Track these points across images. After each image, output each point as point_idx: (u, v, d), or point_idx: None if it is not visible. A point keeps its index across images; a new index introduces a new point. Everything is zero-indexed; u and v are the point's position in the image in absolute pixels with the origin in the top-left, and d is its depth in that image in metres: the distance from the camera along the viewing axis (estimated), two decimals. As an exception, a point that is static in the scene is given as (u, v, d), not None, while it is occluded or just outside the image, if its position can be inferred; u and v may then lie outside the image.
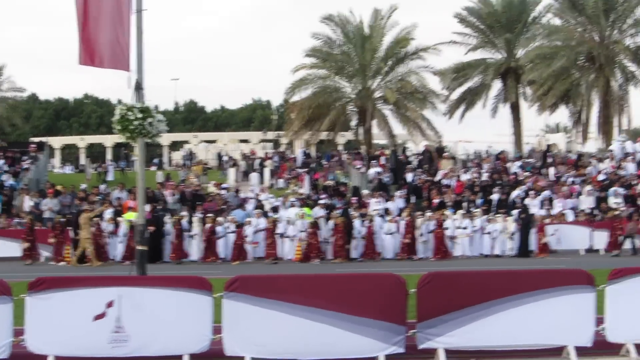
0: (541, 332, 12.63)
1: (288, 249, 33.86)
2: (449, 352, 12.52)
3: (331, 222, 33.78)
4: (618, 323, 12.77)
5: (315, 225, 33.26)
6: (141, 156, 16.21)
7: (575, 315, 12.69)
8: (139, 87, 15.47)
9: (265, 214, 35.88)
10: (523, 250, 34.61)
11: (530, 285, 12.74)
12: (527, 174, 44.25)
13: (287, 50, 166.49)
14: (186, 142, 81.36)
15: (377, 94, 57.32)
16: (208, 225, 33.30)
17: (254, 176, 51.15)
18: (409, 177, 44.35)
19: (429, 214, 35.78)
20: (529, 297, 12.62)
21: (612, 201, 38.92)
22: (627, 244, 34.23)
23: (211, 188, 45.26)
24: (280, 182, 51.44)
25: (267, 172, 53.55)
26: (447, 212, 36.48)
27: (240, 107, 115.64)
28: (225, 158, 61.42)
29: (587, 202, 39.63)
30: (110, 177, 53.76)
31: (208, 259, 32.90)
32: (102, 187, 43.32)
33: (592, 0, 54.99)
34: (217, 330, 12.35)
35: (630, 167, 43.66)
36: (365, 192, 41.72)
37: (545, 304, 12.62)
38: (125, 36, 15.32)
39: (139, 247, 15.87)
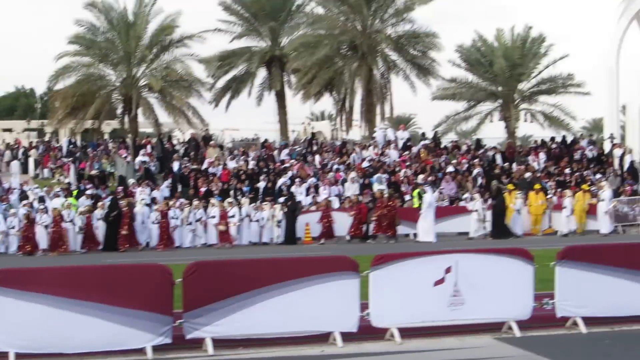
0: (308, 318, 12.62)
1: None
2: (216, 341, 12.32)
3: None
4: (382, 308, 12.90)
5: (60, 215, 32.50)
6: None
7: (340, 302, 12.75)
8: None
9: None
10: (290, 238, 34.98)
11: (296, 272, 12.72)
12: (293, 161, 44.69)
13: (51, 37, 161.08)
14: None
15: (142, 82, 56.20)
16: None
17: (14, 165, 49.19)
18: (176, 165, 43.80)
19: (195, 202, 35.64)
20: (295, 284, 12.59)
21: (377, 187, 39.92)
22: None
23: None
24: (46, 172, 49.77)
25: (31, 161, 51.62)
26: (214, 200, 36.33)
27: (3, 95, 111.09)
28: (-14, 148, 58.69)
29: (351, 189, 40.44)
30: None
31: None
32: None
33: (354, -10, 56.19)
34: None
35: (393, 154, 44.96)
36: (131, 181, 40.94)
37: (311, 291, 12.62)
38: None
39: None
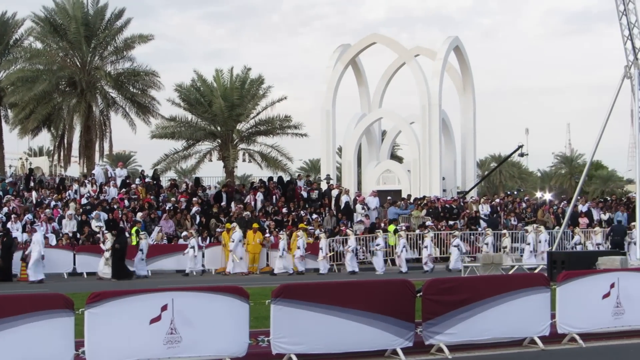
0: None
1: None
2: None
3: None
4: (98, 346, 12.73)
5: None
6: None
7: (56, 341, 12.49)
8: None
9: None
10: (5, 274, 33.80)
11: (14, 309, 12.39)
12: (9, 197, 43.03)
13: None
14: None
15: None
16: None
17: None
18: None
19: None
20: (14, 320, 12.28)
21: (94, 224, 39.28)
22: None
23: None
24: None
25: None
26: None
27: None
28: None
29: (69, 225, 39.56)
30: None
31: None
32: None
33: (73, 26, 55.33)
34: None
35: (111, 192, 44.36)
36: None
37: (21, 331, 12.29)
38: None
39: None
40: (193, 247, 37.41)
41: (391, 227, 41.89)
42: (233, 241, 37.53)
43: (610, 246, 40.87)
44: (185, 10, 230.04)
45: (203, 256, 38.78)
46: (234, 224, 38.69)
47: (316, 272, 38.01)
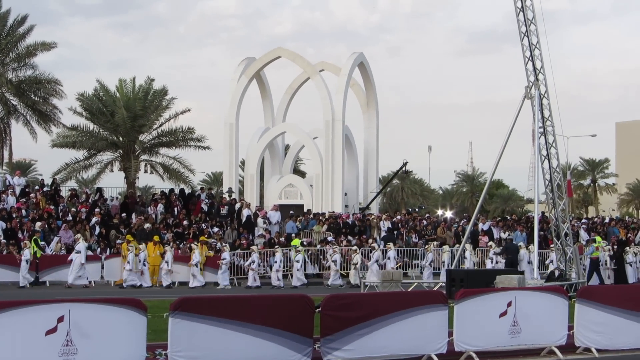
0: None
1: None
2: None
3: None
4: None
5: None
6: None
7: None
8: None
9: None
10: None
11: None
12: None
13: None
14: None
15: None
16: None
17: None
18: None
19: None
20: None
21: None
22: None
23: None
24: None
25: None
26: None
27: None
28: None
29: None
30: None
31: None
32: None
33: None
34: None
35: (10, 200, 43.54)
36: None
37: None
38: None
39: None
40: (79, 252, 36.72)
41: (296, 242, 42.07)
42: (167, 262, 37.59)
43: (505, 265, 41.68)
44: (90, 18, 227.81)
45: (102, 267, 38.35)
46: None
47: (216, 286, 37.94)
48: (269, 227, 46.12)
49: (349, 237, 45.21)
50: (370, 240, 43.76)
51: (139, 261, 37.27)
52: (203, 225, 44.36)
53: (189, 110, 59.23)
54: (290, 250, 40.84)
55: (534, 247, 36.75)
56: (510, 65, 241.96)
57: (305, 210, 51.12)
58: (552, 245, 38.78)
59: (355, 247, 41.81)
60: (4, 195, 43.80)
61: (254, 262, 38.63)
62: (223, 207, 47.52)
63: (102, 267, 38.39)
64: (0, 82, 55.00)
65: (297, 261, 39.48)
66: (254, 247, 39.94)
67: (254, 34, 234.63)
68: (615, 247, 43.60)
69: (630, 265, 42.58)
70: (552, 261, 40.98)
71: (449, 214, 74.89)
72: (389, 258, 41.11)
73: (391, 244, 42.35)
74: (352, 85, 58.50)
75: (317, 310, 15.33)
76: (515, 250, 43.04)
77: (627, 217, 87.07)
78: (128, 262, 37.03)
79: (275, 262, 39.07)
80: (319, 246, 43.11)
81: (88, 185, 59.83)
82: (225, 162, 56.73)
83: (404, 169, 60.86)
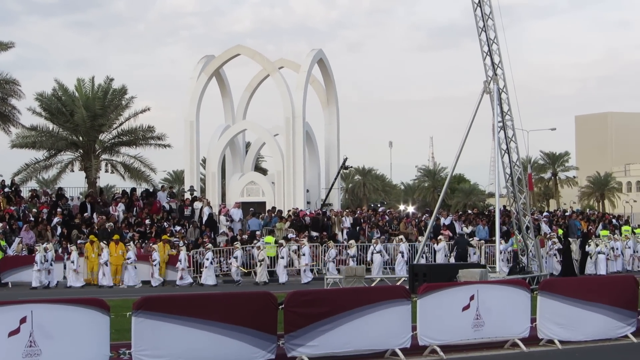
0: None
1: None
2: None
3: None
4: None
5: None
6: None
7: None
8: None
9: None
10: None
11: None
12: None
13: None
14: None
15: None
16: None
17: None
18: None
19: None
20: None
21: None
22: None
23: None
24: None
25: None
26: None
27: None
28: None
29: None
30: None
31: None
32: None
33: None
34: None
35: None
36: None
37: None
38: None
39: None
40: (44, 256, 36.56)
41: (269, 239, 42.12)
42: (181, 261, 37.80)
43: (455, 259, 41.88)
44: (49, 17, 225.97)
45: (65, 268, 38.09)
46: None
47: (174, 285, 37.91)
48: (231, 225, 46.06)
49: (313, 233, 45.27)
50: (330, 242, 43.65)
51: (101, 261, 37.25)
52: (165, 223, 44.19)
53: (148, 109, 59.02)
54: (253, 247, 40.81)
55: (496, 241, 36.66)
56: (470, 60, 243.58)
57: (269, 207, 51.02)
58: (512, 238, 38.87)
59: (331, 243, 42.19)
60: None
61: (236, 257, 39.09)
62: (187, 207, 47.39)
63: (65, 268, 38.08)
64: (-43, 83, 54.53)
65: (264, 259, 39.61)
66: (210, 245, 39.82)
67: (213, 31, 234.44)
68: (563, 240, 43.90)
69: (591, 257, 43.00)
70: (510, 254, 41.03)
71: (411, 208, 75.21)
72: (350, 255, 41.26)
73: (353, 241, 42.47)
74: (312, 82, 58.53)
75: (280, 306, 15.39)
76: (465, 245, 43.22)
77: (587, 209, 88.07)
78: (72, 262, 36.97)
79: (235, 258, 39.21)
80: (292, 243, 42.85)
81: (49, 186, 59.39)
82: (186, 160, 56.56)
83: (345, 164, 60.84)
